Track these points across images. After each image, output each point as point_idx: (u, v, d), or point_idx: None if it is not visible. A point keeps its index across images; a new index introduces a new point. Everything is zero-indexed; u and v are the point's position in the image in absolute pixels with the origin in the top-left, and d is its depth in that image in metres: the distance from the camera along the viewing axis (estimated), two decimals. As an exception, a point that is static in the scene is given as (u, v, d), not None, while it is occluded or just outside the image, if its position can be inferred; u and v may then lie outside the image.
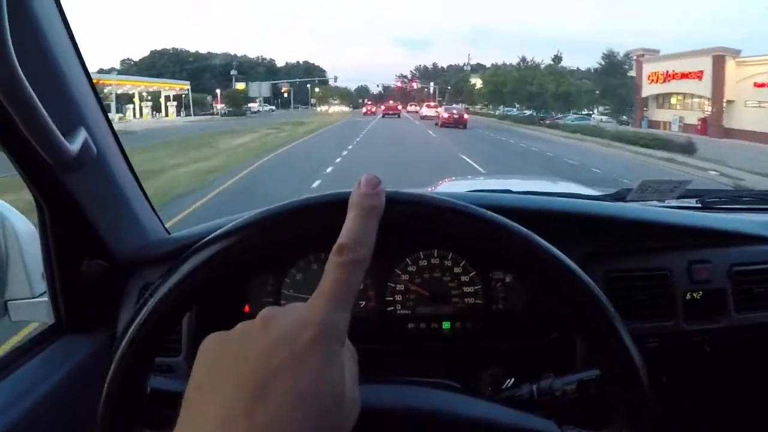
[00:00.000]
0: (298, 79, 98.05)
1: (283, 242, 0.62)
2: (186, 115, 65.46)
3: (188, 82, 69.53)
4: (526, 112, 51.48)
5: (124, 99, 62.21)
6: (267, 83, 33.14)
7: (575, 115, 43.32)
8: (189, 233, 1.22)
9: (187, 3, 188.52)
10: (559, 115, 45.74)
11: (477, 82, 77.50)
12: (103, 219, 1.06)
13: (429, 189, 2.18)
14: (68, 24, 0.93)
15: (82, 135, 0.91)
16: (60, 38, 0.92)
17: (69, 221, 1.01)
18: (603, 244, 1.23)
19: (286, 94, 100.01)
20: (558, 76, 43.43)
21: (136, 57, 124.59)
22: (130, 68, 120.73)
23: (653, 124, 42.99)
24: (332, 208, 0.57)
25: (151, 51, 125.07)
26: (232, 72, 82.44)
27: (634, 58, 44.41)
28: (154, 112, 62.34)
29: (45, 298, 1.09)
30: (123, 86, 56.03)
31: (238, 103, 64.18)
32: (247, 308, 1.23)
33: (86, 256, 1.07)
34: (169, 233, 1.26)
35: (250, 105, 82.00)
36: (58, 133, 0.82)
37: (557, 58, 48.57)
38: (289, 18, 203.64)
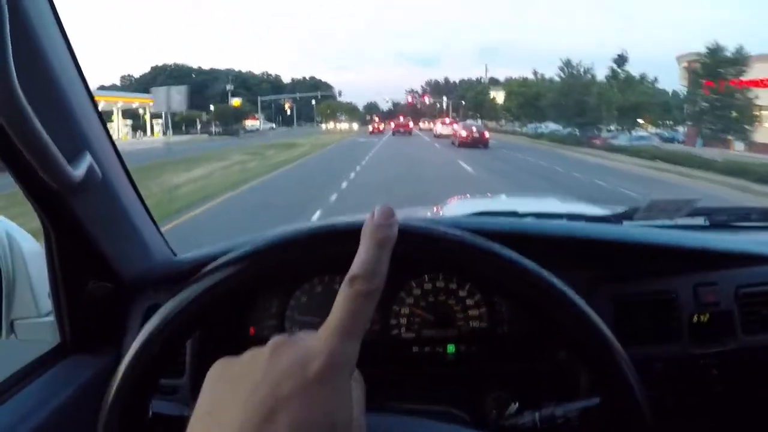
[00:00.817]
0: (299, 94, 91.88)
1: (292, 268, 0.66)
2: (174, 134, 59.84)
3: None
4: (560, 128, 44.59)
5: (105, 117, 56.77)
6: (181, 88, 21.71)
7: (629, 134, 35.37)
8: (195, 256, 1.21)
9: (191, 18, 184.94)
10: (611, 133, 38.59)
11: (497, 95, 71.31)
12: (109, 241, 1.06)
13: (436, 209, 2.35)
14: (71, 46, 0.93)
15: (86, 159, 0.93)
16: (63, 61, 0.91)
17: (74, 243, 1.02)
18: (608, 268, 1.23)
19: (289, 111, 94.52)
20: (623, 83, 34.78)
21: (137, 73, 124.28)
22: (130, 85, 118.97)
23: (710, 142, 36.08)
24: (346, 237, 0.59)
25: (152, 67, 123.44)
26: (228, 87, 76.22)
27: (685, 65, 35.79)
28: (137, 132, 56.61)
29: (51, 318, 1.10)
30: (99, 102, 50.75)
31: (228, 121, 57.51)
32: (252, 330, 1.23)
33: (92, 277, 1.08)
34: (175, 254, 1.25)
35: (250, 122, 77.00)
36: (62, 159, 0.83)
37: (621, 59, 35.80)
38: (295, 33, 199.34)
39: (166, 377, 1.06)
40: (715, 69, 28.17)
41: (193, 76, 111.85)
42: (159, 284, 1.14)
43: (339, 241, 0.62)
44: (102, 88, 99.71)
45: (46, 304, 1.11)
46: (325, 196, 11.83)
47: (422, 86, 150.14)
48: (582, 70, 39.95)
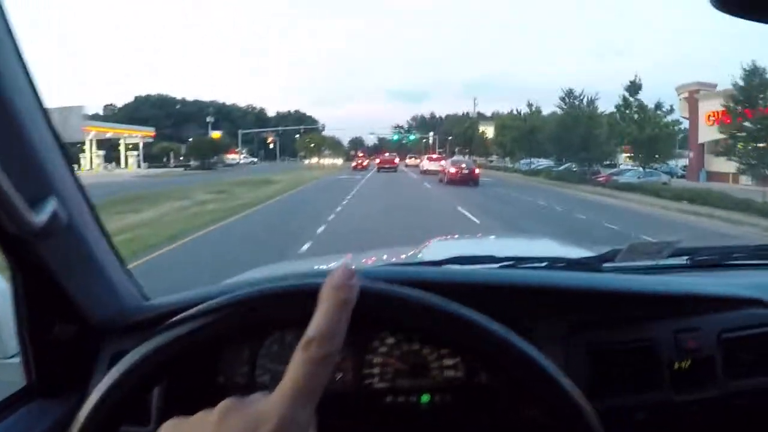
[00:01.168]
0: (281, 128, 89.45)
1: (258, 323, 0.67)
2: (149, 167, 57.29)
3: (153, 129, 61.38)
4: (552, 164, 42.18)
5: (76, 148, 54.79)
6: (79, 108, 23.93)
7: (640, 170, 32.09)
8: (166, 302, 1.18)
9: (176, 49, 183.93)
10: (615, 169, 36.12)
11: (486, 129, 69.25)
12: (75, 284, 1.05)
13: (413, 252, 2.33)
14: (34, 85, 0.91)
15: (50, 204, 0.91)
16: (26, 103, 0.89)
17: (41, 286, 1.02)
18: (585, 316, 1.21)
19: (272, 145, 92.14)
20: (637, 113, 30.46)
21: (121, 102, 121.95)
22: (113, 115, 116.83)
23: (714, 176, 33.93)
24: (303, 298, 0.59)
25: (135, 97, 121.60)
26: (208, 119, 73.72)
27: (685, 96, 34.67)
28: (109, 164, 53.96)
29: (18, 359, 1.10)
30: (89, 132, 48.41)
31: (205, 154, 54.84)
32: (222, 379, 1.20)
33: (59, 319, 1.07)
34: (147, 299, 1.23)
35: (231, 156, 74.71)
36: (24, 206, 0.83)
37: (634, 87, 30.83)
38: (281, 68, 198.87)
39: (132, 425, 1.03)
40: (755, 94, 23.84)
41: (178, 107, 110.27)
42: (128, 329, 1.11)
43: (298, 301, 0.62)
44: (84, 118, 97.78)
45: (14, 345, 1.10)
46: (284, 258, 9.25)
47: (408, 121, 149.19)
48: (586, 100, 37.13)
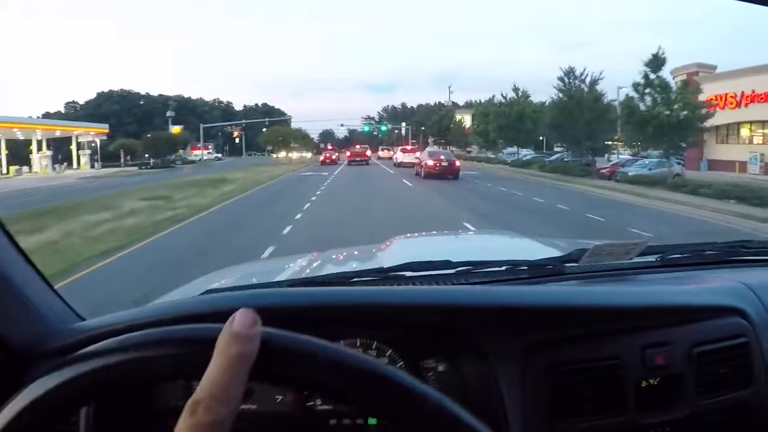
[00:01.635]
0: (245, 121, 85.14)
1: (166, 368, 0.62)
2: (103, 167, 53.08)
3: (107, 126, 57.01)
4: (532, 153, 39.69)
5: (22, 148, 50.35)
6: None
7: (634, 160, 29.23)
8: (98, 323, 1.08)
9: (139, 44, 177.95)
10: (622, 159, 32.50)
11: (464, 118, 65.54)
12: None
13: (380, 247, 2.39)
14: None
15: None
16: None
17: None
18: (544, 333, 1.12)
19: (238, 140, 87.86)
20: (662, 92, 24.17)
21: (83, 99, 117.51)
22: (75, 112, 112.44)
23: (717, 164, 31.12)
24: (197, 346, 0.55)
25: (97, 93, 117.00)
26: (168, 113, 69.33)
27: (683, 77, 29.79)
28: (59, 165, 49.69)
29: None
30: (15, 130, 44.14)
31: (161, 151, 50.65)
32: (154, 405, 1.14)
33: None
34: (83, 319, 1.15)
35: (196, 152, 70.65)
36: None
37: (657, 61, 24.21)
38: (248, 61, 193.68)
39: None
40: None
41: (141, 102, 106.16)
42: (55, 354, 1.02)
43: (193, 350, 0.57)
44: (46, 116, 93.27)
45: None
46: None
47: (379, 112, 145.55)
48: (588, 79, 32.92)
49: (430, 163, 29.84)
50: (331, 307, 1.04)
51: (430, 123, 74.48)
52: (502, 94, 41.54)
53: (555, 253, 1.73)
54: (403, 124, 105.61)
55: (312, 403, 1.14)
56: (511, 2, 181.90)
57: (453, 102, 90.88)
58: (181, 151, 61.03)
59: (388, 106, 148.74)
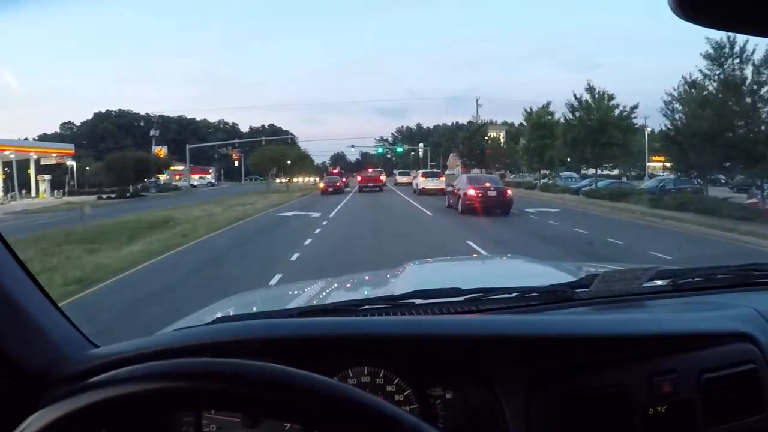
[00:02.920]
0: (237, 140, 76.10)
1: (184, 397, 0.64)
2: (65, 194, 44.26)
3: (72, 146, 48.40)
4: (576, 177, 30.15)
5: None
6: None
7: None
8: (112, 350, 1.12)
9: (140, 63, 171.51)
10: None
11: (499, 134, 56.57)
12: (4, 336, 1.02)
13: (393, 273, 2.38)
14: None
15: None
16: None
17: None
18: (552, 362, 1.13)
19: (237, 163, 79.06)
20: None
21: (79, 120, 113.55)
22: (71, 133, 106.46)
23: None
24: (209, 381, 0.62)
25: (94, 113, 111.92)
26: (152, 132, 60.59)
27: None
28: (21, 191, 41.35)
29: None
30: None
31: (127, 176, 41.28)
32: (169, 427, 1.15)
33: None
34: (96, 345, 1.18)
35: (194, 177, 62.26)
36: None
37: None
38: (257, 86, 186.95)
39: None
40: None
41: (142, 123, 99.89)
42: (69, 380, 1.04)
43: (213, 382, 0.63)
44: (43, 137, 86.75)
45: None
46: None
47: (393, 134, 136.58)
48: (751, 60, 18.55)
49: (471, 192, 21.20)
50: (338, 338, 1.06)
51: (458, 141, 64.59)
52: (576, 96, 30.82)
53: (566, 278, 1.69)
54: (421, 145, 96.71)
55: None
56: (523, 25, 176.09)
57: (482, 118, 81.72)
58: (162, 175, 52.12)
59: (402, 127, 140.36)
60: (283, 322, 1.19)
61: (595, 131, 28.64)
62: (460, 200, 21.65)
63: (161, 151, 53.81)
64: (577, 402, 1.10)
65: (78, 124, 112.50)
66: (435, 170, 46.34)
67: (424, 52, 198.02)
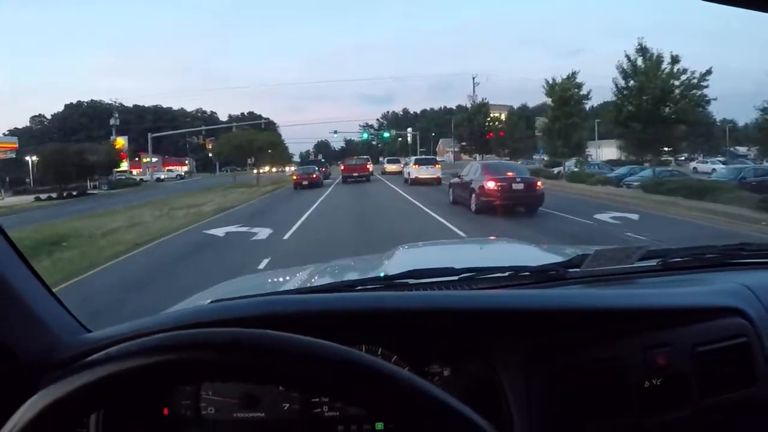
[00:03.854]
0: (205, 127, 69.48)
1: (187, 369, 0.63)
2: (15, 194, 38.21)
3: (15, 139, 42.32)
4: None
5: None
6: None
7: None
8: (106, 334, 1.12)
9: (115, 53, 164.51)
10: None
11: (501, 115, 50.54)
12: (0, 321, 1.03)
13: (384, 257, 2.35)
14: None
15: None
16: None
17: None
18: (547, 337, 1.15)
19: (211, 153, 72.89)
20: None
21: (50, 112, 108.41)
22: (42, 127, 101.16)
23: None
24: (208, 351, 0.61)
25: (65, 105, 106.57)
26: (112, 121, 54.33)
27: None
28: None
29: None
30: None
31: (64, 176, 34.69)
32: (166, 411, 1.16)
33: None
34: (89, 330, 1.18)
35: (169, 169, 56.34)
36: None
37: None
38: (234, 75, 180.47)
39: None
40: None
41: (116, 115, 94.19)
42: (64, 365, 1.03)
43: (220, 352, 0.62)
44: (13, 132, 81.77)
45: None
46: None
47: (378, 120, 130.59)
48: None
49: (491, 185, 15.82)
50: (334, 313, 1.04)
51: (453, 124, 58.70)
52: (627, 56, 24.05)
53: (558, 259, 1.69)
54: (409, 129, 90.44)
55: (319, 410, 1.15)
56: (508, 11, 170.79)
57: (458, 105, 75.30)
58: (120, 168, 45.97)
59: (388, 112, 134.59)
60: (279, 298, 1.18)
61: (656, 104, 22.62)
62: (474, 195, 16.38)
63: (120, 141, 47.55)
64: (574, 376, 1.10)
65: (49, 117, 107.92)
66: (429, 157, 40.52)
67: (408, 38, 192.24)
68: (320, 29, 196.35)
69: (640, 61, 23.48)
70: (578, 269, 1.46)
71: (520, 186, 15.91)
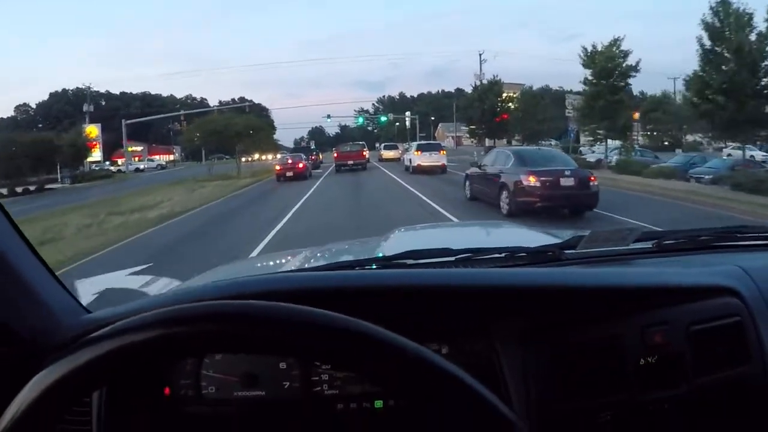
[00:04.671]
0: (183, 111, 64.78)
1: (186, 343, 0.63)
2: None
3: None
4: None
5: None
6: None
7: None
8: (108, 314, 1.12)
9: (101, 38, 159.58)
10: None
11: (513, 94, 45.15)
12: (1, 301, 1.02)
13: (380, 239, 2.35)
14: None
15: None
16: None
17: None
18: (544, 315, 1.16)
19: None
20: None
21: (35, 101, 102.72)
22: (27, 116, 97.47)
23: None
24: (211, 323, 0.62)
25: (50, 93, 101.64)
26: (85, 108, 49.74)
27: None
28: None
29: None
30: None
31: (16, 170, 30.00)
32: (167, 390, 1.17)
33: None
34: (89, 311, 1.18)
35: (155, 157, 51.86)
36: None
37: None
38: (227, 61, 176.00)
39: None
40: None
41: (102, 102, 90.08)
42: (66, 345, 0.94)
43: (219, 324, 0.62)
44: None
45: None
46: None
47: (374, 104, 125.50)
48: None
49: (532, 181, 11.88)
50: (333, 290, 1.04)
51: (462, 105, 52.81)
52: (712, 7, 19.38)
53: (554, 241, 1.74)
54: (408, 113, 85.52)
55: (319, 388, 1.16)
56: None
57: (459, 89, 69.96)
58: (90, 158, 41.49)
59: (384, 96, 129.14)
60: (279, 276, 1.18)
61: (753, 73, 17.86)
62: (507, 193, 12.42)
63: (92, 129, 43.03)
64: (572, 353, 1.11)
65: (34, 106, 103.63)
66: (433, 142, 36.37)
67: (404, 22, 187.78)
68: (313, 13, 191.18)
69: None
70: (574, 250, 1.48)
71: (571, 182, 11.88)
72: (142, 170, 53.15)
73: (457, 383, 0.61)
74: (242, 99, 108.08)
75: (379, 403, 1.15)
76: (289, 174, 27.90)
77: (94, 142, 41.69)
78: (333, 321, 0.62)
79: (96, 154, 43.12)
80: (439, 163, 27.52)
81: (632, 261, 1.51)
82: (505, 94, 46.16)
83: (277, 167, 29.08)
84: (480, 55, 51.52)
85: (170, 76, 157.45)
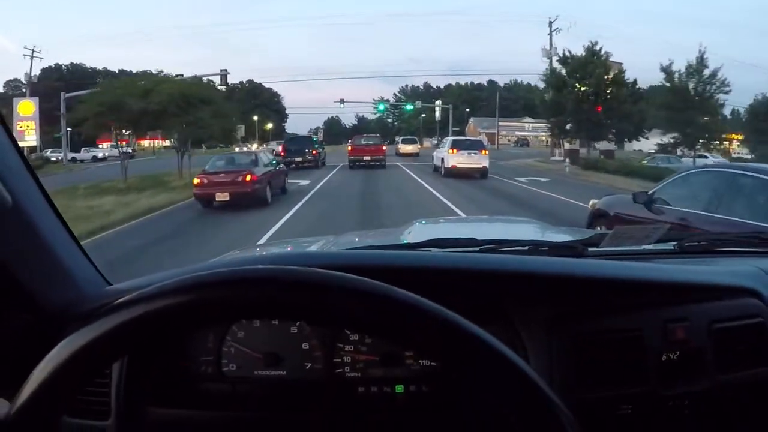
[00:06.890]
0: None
1: (214, 309, 0.62)
2: None
3: None
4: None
5: None
6: None
7: None
8: (129, 286, 1.16)
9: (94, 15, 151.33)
10: None
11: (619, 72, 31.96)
12: (25, 270, 1.01)
13: (395, 233, 2.34)
14: None
15: None
16: None
17: None
18: (569, 305, 1.18)
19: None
20: None
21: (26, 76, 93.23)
22: (18, 93, 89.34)
23: None
24: (258, 284, 0.61)
25: (42, 69, 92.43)
26: (24, 78, 40.77)
27: None
28: None
29: None
30: None
31: None
32: (187, 366, 1.18)
33: (11, 309, 1.03)
34: (110, 283, 1.21)
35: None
36: None
37: None
38: (244, 50, 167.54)
39: (91, 420, 1.04)
40: None
41: (99, 79, 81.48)
42: (87, 317, 0.98)
43: (251, 289, 0.61)
44: None
45: None
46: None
47: (395, 94, 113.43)
48: None
49: None
50: (368, 267, 1.05)
51: (537, 92, 39.61)
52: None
53: (578, 238, 1.73)
54: (438, 102, 73.59)
55: (341, 370, 1.16)
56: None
57: (475, 83, 57.87)
58: (27, 143, 32.03)
59: (406, 86, 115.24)
60: (303, 252, 1.17)
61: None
62: None
63: (27, 105, 32.97)
64: (595, 343, 1.12)
65: (25, 81, 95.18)
66: (474, 139, 28.38)
67: (424, 18, 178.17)
68: (336, 6, 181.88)
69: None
70: (597, 248, 1.48)
71: None
72: (79, 162, 44.06)
73: (499, 356, 0.61)
74: (251, 82, 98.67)
75: (400, 388, 1.15)
76: (222, 197, 14.06)
77: (27, 122, 31.58)
78: (376, 288, 0.61)
79: (30, 138, 32.65)
80: (479, 165, 23.05)
81: (654, 260, 1.47)
82: (613, 73, 32.74)
83: (196, 180, 14.89)
84: (550, 23, 39.36)
85: (178, 57, 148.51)
